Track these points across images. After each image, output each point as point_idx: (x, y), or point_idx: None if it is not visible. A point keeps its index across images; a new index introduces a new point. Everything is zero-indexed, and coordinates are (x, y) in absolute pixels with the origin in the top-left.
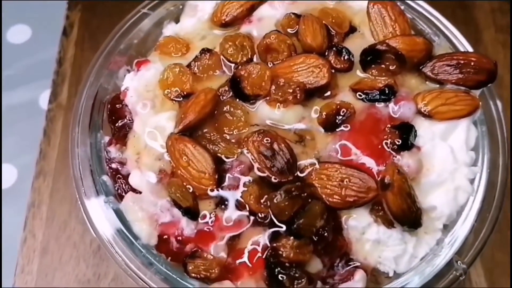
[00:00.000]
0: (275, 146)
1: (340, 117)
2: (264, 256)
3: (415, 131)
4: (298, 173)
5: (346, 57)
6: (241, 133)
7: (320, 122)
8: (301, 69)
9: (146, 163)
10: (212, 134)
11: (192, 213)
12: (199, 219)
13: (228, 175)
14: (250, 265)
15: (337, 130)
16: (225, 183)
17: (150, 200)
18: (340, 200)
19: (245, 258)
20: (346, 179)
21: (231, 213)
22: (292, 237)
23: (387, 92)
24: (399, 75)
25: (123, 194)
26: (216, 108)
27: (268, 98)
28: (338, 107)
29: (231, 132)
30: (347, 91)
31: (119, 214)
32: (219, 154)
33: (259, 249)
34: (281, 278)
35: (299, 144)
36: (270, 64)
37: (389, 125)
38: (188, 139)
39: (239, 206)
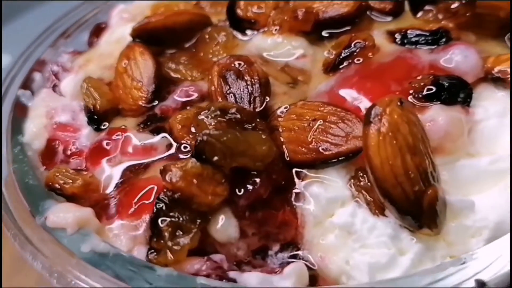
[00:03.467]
0: (244, 70)
1: (349, 49)
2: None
3: (470, 89)
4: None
5: None
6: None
7: (324, 63)
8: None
9: (90, 70)
10: (180, 56)
11: (97, 120)
12: (102, 127)
13: (171, 96)
14: (134, 205)
15: (341, 66)
16: (161, 103)
17: (65, 102)
18: (303, 148)
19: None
20: (322, 118)
21: (147, 136)
22: (193, 158)
23: (438, 35)
24: (472, 34)
25: None
26: (197, 27)
27: (266, 29)
28: (352, 38)
29: (205, 57)
30: (381, 34)
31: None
32: (171, 72)
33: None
34: (160, 224)
35: (286, 85)
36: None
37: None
38: (141, 45)
39: (162, 130)
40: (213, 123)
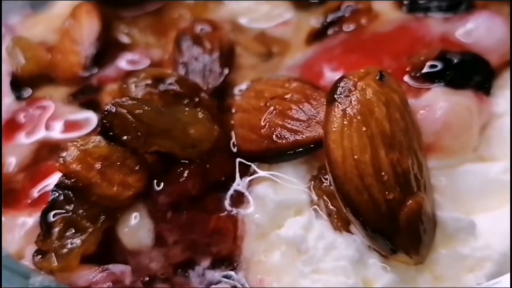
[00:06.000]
0: (204, 35)
1: (337, 13)
2: None
3: (490, 71)
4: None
5: None
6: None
7: (309, 33)
8: None
9: (36, 32)
10: (140, 20)
11: (19, 86)
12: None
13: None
14: (36, 193)
15: (326, 35)
16: (100, 72)
17: None
18: (253, 134)
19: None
20: (284, 96)
21: (73, 110)
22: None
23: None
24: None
25: None
26: None
27: None
28: (344, 1)
29: (169, 21)
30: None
31: None
32: (122, 37)
33: None
34: (52, 218)
35: (258, 57)
36: None
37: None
38: (92, 3)
39: (94, 104)
40: (140, 94)
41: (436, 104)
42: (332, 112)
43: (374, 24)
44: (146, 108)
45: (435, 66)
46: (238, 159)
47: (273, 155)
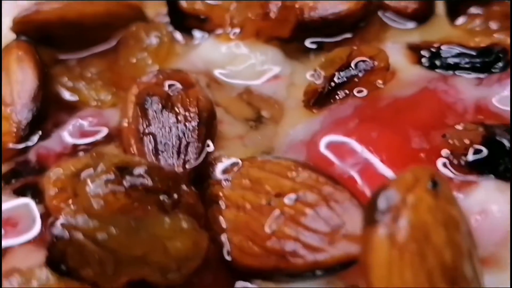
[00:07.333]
0: (176, 96)
1: (347, 72)
2: None
3: None
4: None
5: None
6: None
7: (307, 91)
8: None
9: None
10: (88, 66)
11: None
12: None
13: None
14: None
15: (333, 99)
16: (40, 144)
17: None
18: (255, 246)
19: None
20: (293, 193)
21: (3, 200)
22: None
23: (492, 56)
24: None
25: None
26: (117, 22)
27: (221, 31)
28: (353, 53)
29: (126, 69)
30: (398, 48)
31: None
32: (66, 92)
33: None
34: None
35: (244, 122)
36: None
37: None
38: (25, 46)
39: (33, 191)
40: (100, 193)
41: (492, 209)
42: (376, 238)
43: (391, 85)
44: (114, 230)
45: (479, 151)
46: (237, 282)
47: (284, 275)
